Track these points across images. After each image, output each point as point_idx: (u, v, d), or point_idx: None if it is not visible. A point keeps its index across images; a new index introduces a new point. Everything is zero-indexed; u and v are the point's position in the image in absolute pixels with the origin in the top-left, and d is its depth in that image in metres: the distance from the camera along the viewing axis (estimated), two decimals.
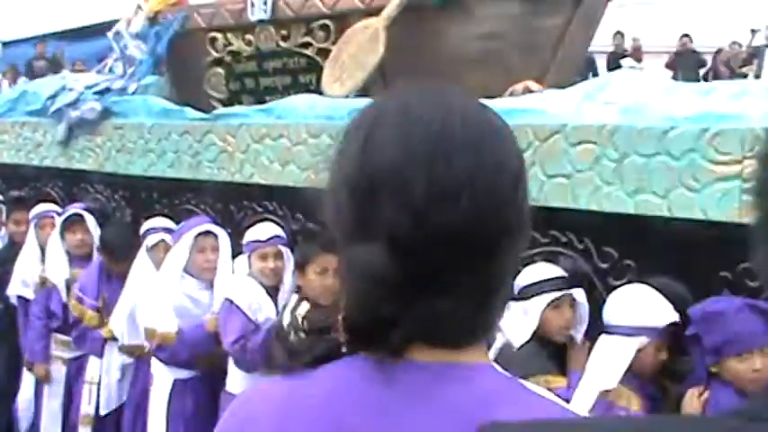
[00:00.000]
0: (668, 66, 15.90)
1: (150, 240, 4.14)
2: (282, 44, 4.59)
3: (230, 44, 4.83)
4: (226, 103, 4.91)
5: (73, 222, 4.66)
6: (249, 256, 3.74)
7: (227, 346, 3.63)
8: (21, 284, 4.86)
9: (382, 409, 0.98)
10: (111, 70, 5.45)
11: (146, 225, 4.23)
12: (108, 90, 5.00)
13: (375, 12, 4.11)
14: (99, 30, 6.60)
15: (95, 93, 5.04)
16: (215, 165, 4.28)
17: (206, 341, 3.80)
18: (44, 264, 4.79)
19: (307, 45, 4.49)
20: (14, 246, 5.16)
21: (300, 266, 3.51)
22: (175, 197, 4.40)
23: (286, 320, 3.44)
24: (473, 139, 1.00)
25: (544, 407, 1.00)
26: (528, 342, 2.90)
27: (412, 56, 4.06)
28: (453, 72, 3.94)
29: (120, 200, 4.77)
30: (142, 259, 4.13)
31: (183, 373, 3.89)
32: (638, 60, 15.68)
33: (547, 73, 4.11)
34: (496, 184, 0.99)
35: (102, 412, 4.38)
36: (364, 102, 3.66)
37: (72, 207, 4.75)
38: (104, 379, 4.38)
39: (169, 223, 4.20)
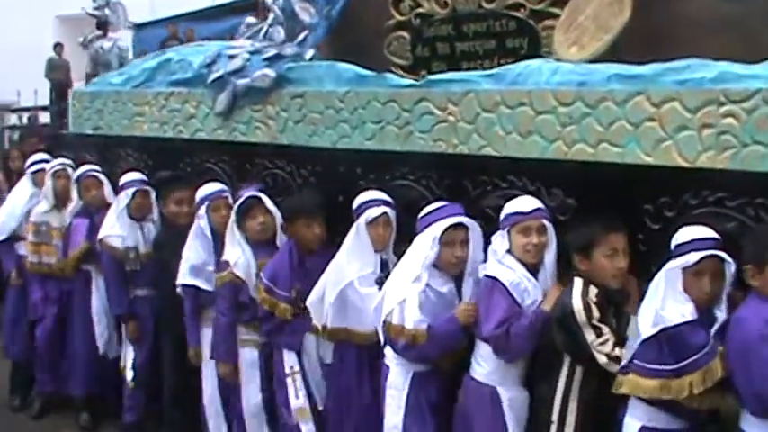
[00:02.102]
0: None
1: (372, 212, 3.78)
2: (486, 6, 4.23)
3: (419, 6, 4.47)
4: (409, 71, 4.55)
5: (251, 207, 4.28)
6: (508, 231, 3.39)
7: (488, 332, 3.30)
8: (190, 274, 4.49)
9: None
10: (265, 36, 5.05)
11: (362, 198, 3.85)
12: (279, 57, 4.61)
13: None
14: (228, 9, 6.26)
15: (265, 60, 4.65)
16: (429, 136, 3.90)
17: (457, 336, 3.46)
18: (217, 252, 4.43)
19: (517, 6, 4.13)
20: (173, 228, 4.79)
21: (583, 250, 3.17)
22: (385, 171, 4.01)
23: (576, 306, 3.09)
24: None
25: None
26: None
27: (651, 18, 3.72)
28: (691, 37, 3.62)
29: (307, 175, 4.37)
30: (360, 234, 3.77)
31: (424, 366, 3.56)
32: None
33: None
34: None
35: (321, 407, 4.04)
36: (618, 67, 3.36)
37: (246, 190, 4.35)
38: (311, 374, 4.05)
39: (377, 193, 3.86)
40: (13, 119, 14.44)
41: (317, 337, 3.97)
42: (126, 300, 5.10)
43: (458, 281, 3.57)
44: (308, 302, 3.88)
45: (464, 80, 3.87)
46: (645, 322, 2.93)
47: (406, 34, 4.54)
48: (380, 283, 3.76)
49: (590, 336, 3.08)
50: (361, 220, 3.77)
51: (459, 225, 3.50)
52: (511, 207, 3.41)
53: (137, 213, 5.04)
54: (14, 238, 5.89)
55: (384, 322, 3.52)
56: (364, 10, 4.67)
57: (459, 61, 4.36)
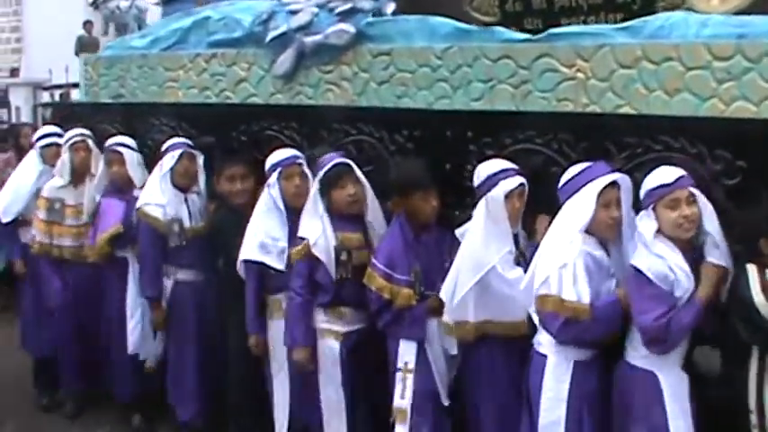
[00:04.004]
0: None
1: (509, 184, 3.40)
2: None
3: None
4: None
5: (339, 175, 3.81)
6: (654, 209, 3.06)
7: (645, 324, 2.96)
8: (258, 249, 3.98)
9: None
10: None
11: (490, 168, 3.47)
12: (355, 11, 4.18)
13: None
14: None
15: (338, 14, 4.22)
16: (553, 95, 3.56)
17: (619, 322, 3.11)
18: (291, 226, 3.96)
19: None
20: (232, 209, 4.31)
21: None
22: (503, 134, 3.63)
23: (759, 300, 2.81)
24: None
25: None
26: None
27: None
28: None
29: (403, 141, 3.96)
30: (494, 210, 3.39)
31: (584, 354, 3.19)
32: None
33: None
34: None
35: (446, 402, 3.62)
36: None
37: (331, 157, 3.87)
38: (435, 366, 3.62)
39: (506, 163, 3.48)
40: (45, 96, 14.19)
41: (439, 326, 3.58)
42: (160, 281, 4.59)
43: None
44: (442, 295, 3.47)
45: (594, 33, 3.54)
46: None
47: None
48: (518, 262, 3.42)
49: None
50: (495, 194, 3.38)
51: (612, 184, 3.16)
52: (651, 181, 3.08)
53: (182, 180, 4.52)
54: (19, 222, 5.30)
55: (537, 298, 3.15)
56: None
57: (558, 17, 4.03)
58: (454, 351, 3.60)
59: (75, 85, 13.56)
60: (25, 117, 12.68)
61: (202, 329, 4.59)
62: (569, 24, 3.90)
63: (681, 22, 3.39)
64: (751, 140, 3.12)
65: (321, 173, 3.84)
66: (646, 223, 3.06)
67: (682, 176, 3.05)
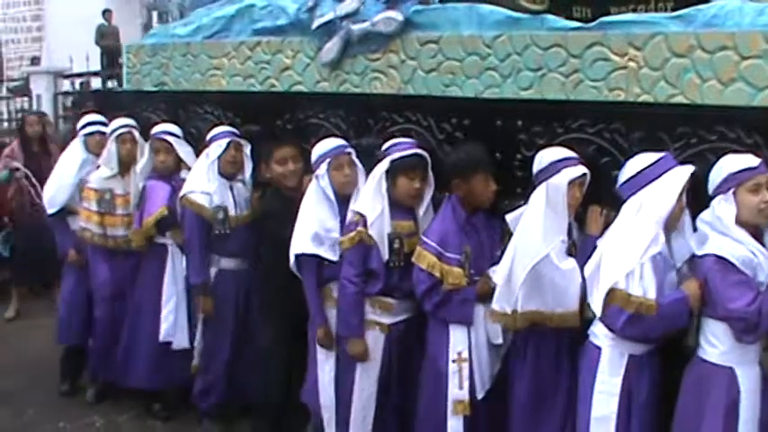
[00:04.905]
0: None
1: (572, 172, 3.38)
2: None
3: None
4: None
5: (413, 167, 3.78)
6: (734, 193, 3.06)
7: (740, 311, 2.93)
8: (311, 242, 3.95)
9: None
10: None
11: (551, 155, 3.45)
12: None
13: None
14: None
15: (385, 2, 4.22)
16: (605, 84, 3.56)
17: (685, 317, 3.09)
18: (342, 217, 3.96)
19: None
20: (281, 195, 4.32)
21: None
22: (554, 124, 3.63)
23: None
24: None
25: None
26: None
27: None
28: None
29: (451, 129, 3.96)
30: (555, 199, 3.37)
31: (640, 348, 3.19)
32: None
33: None
34: None
35: (480, 395, 3.62)
36: None
37: (410, 144, 3.84)
38: (477, 356, 3.61)
39: (569, 151, 3.47)
40: (66, 85, 14.34)
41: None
42: (207, 269, 4.61)
43: None
44: (496, 280, 3.46)
45: (647, 22, 3.52)
46: None
47: None
48: (570, 253, 3.42)
49: None
50: (558, 181, 3.36)
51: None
52: (733, 165, 3.06)
53: (228, 169, 4.55)
54: (67, 211, 5.35)
55: (608, 292, 3.09)
56: None
57: (607, 5, 4.03)
58: (499, 340, 3.59)
59: (96, 74, 13.84)
60: (46, 105, 12.77)
61: (241, 319, 4.62)
62: (619, 13, 3.89)
63: (736, 10, 3.37)
64: None
65: (395, 156, 3.80)
66: (725, 208, 3.04)
67: (762, 162, 3.05)
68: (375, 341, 3.86)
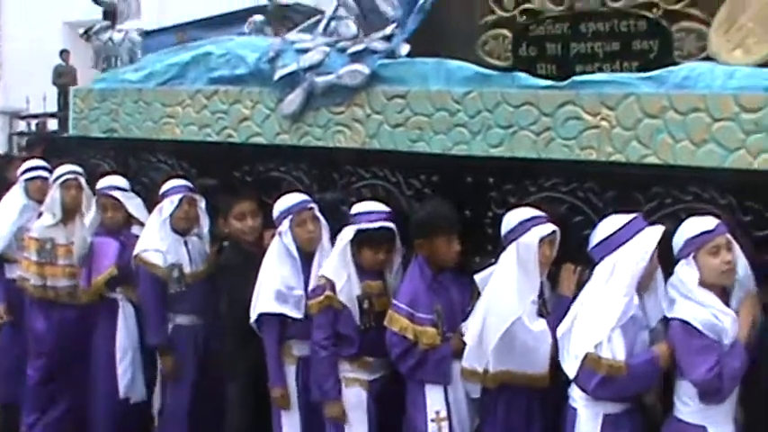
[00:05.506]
0: None
1: (542, 230, 3.35)
2: (612, 4, 3.90)
3: (527, 2, 4.09)
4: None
5: (380, 241, 3.72)
6: (694, 257, 3.06)
7: (699, 378, 2.95)
8: (275, 300, 3.86)
9: None
10: (325, 30, 4.52)
11: (520, 215, 3.42)
12: (369, 52, 4.13)
13: None
14: (240, 16, 5.78)
15: (350, 55, 4.16)
16: (576, 143, 3.55)
17: (655, 378, 3.11)
18: (306, 274, 3.88)
19: (649, 6, 3.82)
20: (240, 249, 4.21)
21: None
22: (526, 182, 3.60)
23: None
24: None
25: None
26: None
27: None
28: None
29: (420, 186, 3.89)
30: (525, 258, 3.33)
31: (616, 407, 3.15)
32: None
33: None
34: None
35: None
36: None
37: (379, 216, 3.72)
38: (455, 411, 3.53)
39: (537, 210, 3.44)
40: (21, 125, 14.35)
41: None
42: (166, 327, 4.46)
43: None
44: (467, 340, 3.41)
45: (619, 82, 3.53)
46: None
47: (507, 32, 4.14)
48: (541, 313, 3.39)
49: None
50: (528, 239, 3.33)
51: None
52: (691, 229, 3.08)
53: (182, 225, 4.43)
54: (2, 259, 5.11)
55: (575, 354, 3.09)
56: (455, 4, 4.26)
57: (573, 63, 4.00)
58: (476, 394, 3.53)
59: (53, 115, 13.57)
60: (0, 146, 12.47)
61: (201, 375, 4.47)
62: (584, 71, 3.88)
63: (707, 72, 3.40)
64: None
65: (362, 227, 3.72)
66: (687, 272, 3.06)
67: (719, 223, 3.07)
68: (358, 398, 3.77)
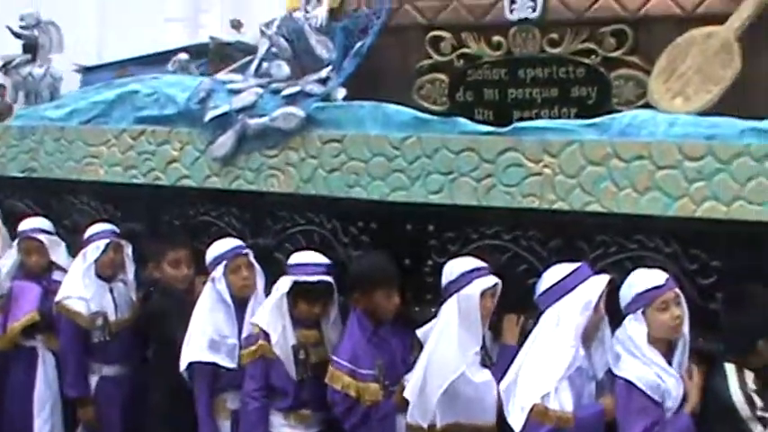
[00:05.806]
0: None
1: (484, 283, 3.27)
2: (550, 50, 3.88)
3: (464, 46, 4.04)
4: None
5: (317, 295, 3.64)
6: (643, 312, 3.03)
7: None
8: (207, 349, 3.73)
9: None
10: (257, 71, 4.40)
11: (461, 266, 3.33)
12: (305, 94, 4.01)
13: (696, 19, 3.56)
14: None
15: (284, 97, 4.04)
16: (518, 190, 3.48)
17: (602, 429, 3.05)
18: (240, 322, 3.76)
19: (588, 53, 3.81)
20: (170, 294, 4.04)
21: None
22: (467, 230, 3.51)
23: (737, 399, 2.83)
24: None
25: None
26: None
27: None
28: None
29: (357, 233, 3.77)
30: (467, 310, 3.24)
31: None
32: None
33: None
34: None
35: None
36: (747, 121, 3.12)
37: (316, 269, 3.63)
38: None
39: (479, 261, 3.36)
40: None
41: None
42: (85, 379, 4.23)
43: None
44: (407, 395, 3.30)
45: (561, 129, 3.49)
46: None
47: (444, 77, 4.08)
48: (485, 363, 3.30)
49: (757, 430, 2.82)
50: (470, 292, 3.25)
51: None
52: (639, 285, 3.06)
53: (107, 271, 4.24)
54: None
55: (521, 406, 3.01)
56: (390, 48, 4.18)
57: (511, 109, 3.96)
58: None
59: None
60: None
61: (128, 428, 4.26)
62: (521, 117, 3.85)
63: (649, 120, 3.39)
64: (724, 240, 3.13)
65: (299, 279, 3.61)
66: (636, 328, 3.03)
67: (668, 278, 3.05)
68: None
